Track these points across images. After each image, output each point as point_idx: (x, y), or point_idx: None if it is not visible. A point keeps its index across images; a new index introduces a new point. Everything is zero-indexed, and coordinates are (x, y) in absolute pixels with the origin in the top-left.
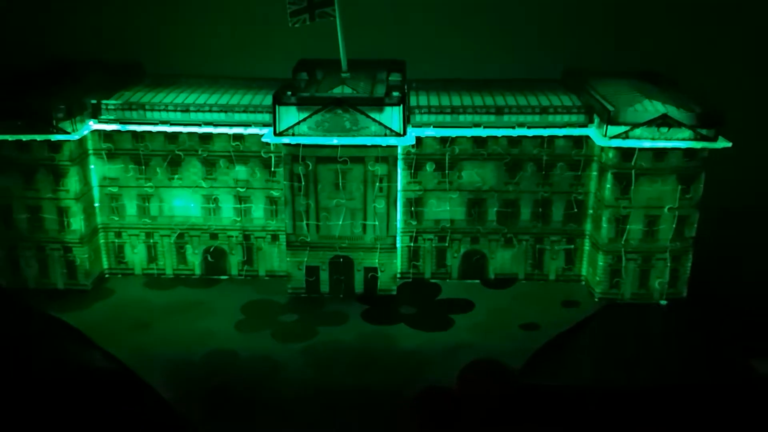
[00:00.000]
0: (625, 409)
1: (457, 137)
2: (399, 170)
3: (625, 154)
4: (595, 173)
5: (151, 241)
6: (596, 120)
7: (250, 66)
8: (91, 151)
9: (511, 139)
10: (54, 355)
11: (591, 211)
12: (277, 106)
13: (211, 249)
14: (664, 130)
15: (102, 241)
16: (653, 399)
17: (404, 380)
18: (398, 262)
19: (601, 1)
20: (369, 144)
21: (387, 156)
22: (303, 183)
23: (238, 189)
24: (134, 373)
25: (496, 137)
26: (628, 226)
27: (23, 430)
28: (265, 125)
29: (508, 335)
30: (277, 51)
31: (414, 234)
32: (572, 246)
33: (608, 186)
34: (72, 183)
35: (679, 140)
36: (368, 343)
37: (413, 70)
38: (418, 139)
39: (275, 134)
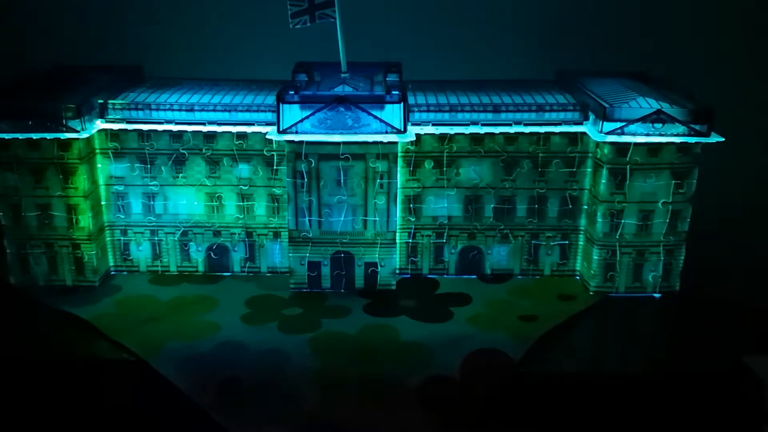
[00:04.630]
0: (619, 397)
1: (455, 135)
2: (398, 168)
3: (620, 149)
4: (589, 170)
5: (156, 238)
6: (591, 117)
7: (248, 69)
8: (98, 150)
9: (507, 137)
10: (68, 347)
11: (586, 207)
12: (280, 105)
13: (215, 246)
14: (658, 125)
15: (108, 238)
16: (646, 387)
17: (407, 369)
18: (397, 258)
19: (591, 4)
20: (370, 141)
21: (388, 153)
22: (305, 180)
23: (241, 187)
24: (148, 364)
25: (493, 135)
26: (622, 221)
27: (43, 421)
28: (267, 124)
29: (507, 326)
30: (273, 54)
31: (412, 230)
32: (567, 241)
33: (603, 181)
34: (80, 181)
35: (673, 136)
36: (372, 334)
37: (408, 72)
38: (417, 137)
39: (279, 132)
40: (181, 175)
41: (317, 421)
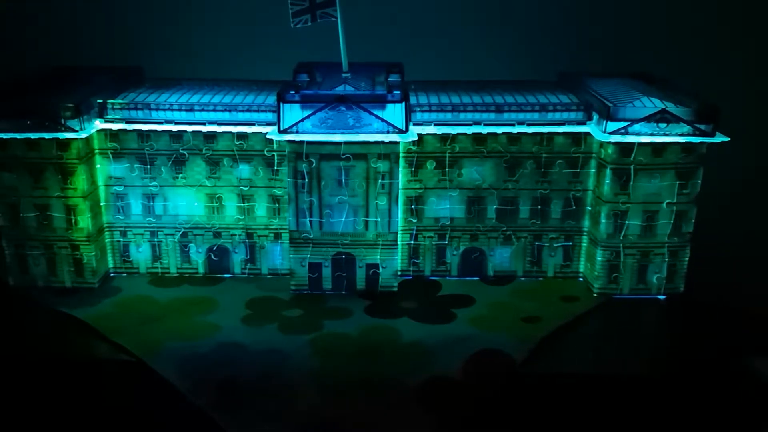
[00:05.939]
0: (622, 398)
1: (457, 135)
2: (400, 168)
3: (624, 149)
4: (593, 170)
5: (156, 240)
6: (595, 117)
7: (249, 69)
8: (97, 151)
9: (510, 137)
10: (67, 348)
11: (589, 208)
12: (281, 104)
13: (215, 248)
14: (662, 125)
15: (108, 240)
16: (649, 388)
17: (409, 370)
18: (399, 259)
19: (593, 5)
20: (372, 141)
21: (389, 153)
22: (306, 180)
23: (242, 188)
24: (147, 365)
25: (495, 135)
26: (626, 222)
27: (43, 421)
28: (268, 124)
29: (510, 327)
30: (274, 54)
31: (414, 232)
32: (570, 243)
33: (607, 182)
34: (79, 181)
35: (677, 135)
36: (373, 335)
37: (410, 72)
38: (419, 137)
39: (279, 132)
40: (180, 175)
41: (317, 422)
